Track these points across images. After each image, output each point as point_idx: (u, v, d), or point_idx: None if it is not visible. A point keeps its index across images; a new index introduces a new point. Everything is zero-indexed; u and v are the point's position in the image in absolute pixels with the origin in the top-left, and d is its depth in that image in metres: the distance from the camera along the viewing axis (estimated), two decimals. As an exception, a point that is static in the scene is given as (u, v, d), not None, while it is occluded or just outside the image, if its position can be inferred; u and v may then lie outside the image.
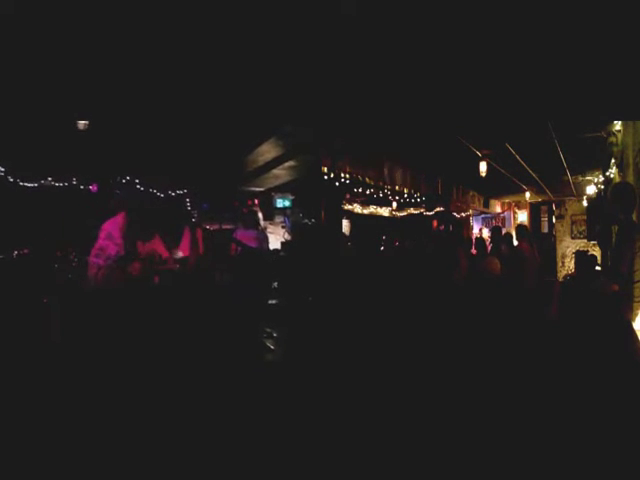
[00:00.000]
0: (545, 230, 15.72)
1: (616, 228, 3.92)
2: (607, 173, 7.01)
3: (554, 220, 14.99)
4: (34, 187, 6.71)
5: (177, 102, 5.09)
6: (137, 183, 7.19)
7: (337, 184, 6.87)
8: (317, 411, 3.40)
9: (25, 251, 5.74)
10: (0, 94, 4.44)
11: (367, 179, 7.76)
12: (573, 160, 8.16)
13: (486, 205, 14.31)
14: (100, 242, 4.26)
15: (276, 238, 9.02)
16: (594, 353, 3.13)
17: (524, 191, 12.43)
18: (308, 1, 3.26)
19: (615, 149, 6.05)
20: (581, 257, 8.15)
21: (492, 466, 2.70)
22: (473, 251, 7.88)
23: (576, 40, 3.45)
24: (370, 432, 3.07)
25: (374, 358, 4.43)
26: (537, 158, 8.03)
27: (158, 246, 5.04)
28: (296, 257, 7.65)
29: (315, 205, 8.19)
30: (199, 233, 5.60)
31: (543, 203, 15.16)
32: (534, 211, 15.65)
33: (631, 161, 5.00)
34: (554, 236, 14.79)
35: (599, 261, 7.97)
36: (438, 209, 11.50)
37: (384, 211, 12.36)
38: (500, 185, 11.04)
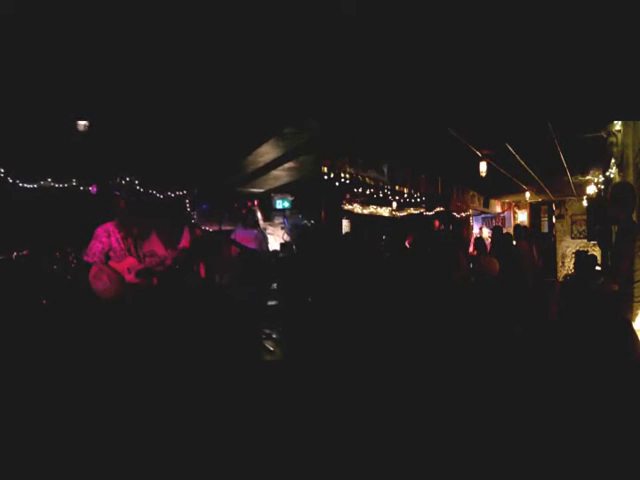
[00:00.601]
0: (545, 230, 15.72)
1: (616, 228, 3.92)
2: (607, 173, 7.00)
3: (554, 220, 14.99)
4: (33, 188, 6.70)
5: (177, 103, 5.09)
6: (137, 184, 7.19)
7: (337, 184, 6.88)
8: (317, 412, 3.39)
9: (24, 252, 5.73)
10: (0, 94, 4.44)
11: (367, 179, 7.76)
12: (573, 160, 8.16)
13: (486, 205, 14.31)
14: (89, 243, 4.39)
15: (275, 239, 9.02)
16: (594, 353, 3.13)
17: (524, 191, 12.42)
18: (308, 1, 3.26)
19: (615, 149, 6.05)
20: (581, 257, 8.16)
21: (492, 466, 2.70)
22: (473, 252, 7.88)
23: (576, 40, 3.45)
24: (370, 432, 3.07)
25: (374, 359, 4.42)
26: (537, 158, 8.02)
27: (157, 245, 5.03)
28: (295, 258, 7.65)
29: (315, 206, 8.19)
30: (197, 234, 5.60)
31: (543, 203, 15.15)
32: (534, 211, 15.65)
33: (631, 161, 5.00)
34: (554, 236, 14.79)
35: (599, 261, 7.98)
36: (438, 209, 11.50)
37: (384, 211, 12.36)
38: (500, 185, 11.03)
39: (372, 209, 12.03)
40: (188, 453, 2.83)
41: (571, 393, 3.15)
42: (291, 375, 4.31)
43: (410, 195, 9.42)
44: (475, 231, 14.96)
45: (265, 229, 6.45)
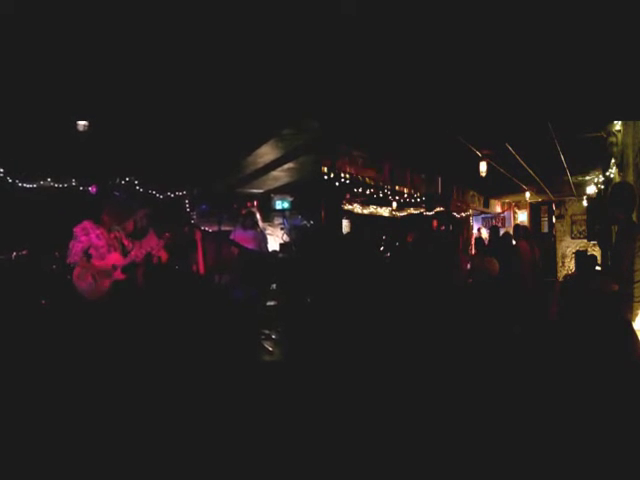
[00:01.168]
0: (545, 230, 15.72)
1: (616, 228, 3.92)
2: (607, 173, 7.01)
3: (554, 220, 14.99)
4: (33, 188, 6.71)
5: (177, 104, 5.08)
6: (136, 184, 7.19)
7: (337, 184, 6.87)
8: (316, 412, 3.39)
9: (24, 252, 5.74)
10: (-1, 94, 4.44)
11: (367, 179, 7.76)
12: (573, 160, 8.15)
13: (486, 205, 14.31)
14: (69, 245, 4.24)
15: (275, 240, 9.02)
16: (594, 353, 3.13)
17: (524, 191, 12.42)
18: (308, 1, 3.26)
19: (615, 149, 6.05)
20: (581, 257, 8.17)
21: (492, 465, 2.69)
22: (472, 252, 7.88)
23: (576, 40, 3.44)
24: (369, 432, 3.06)
25: (373, 359, 4.42)
26: (537, 158, 8.02)
27: (158, 250, 5.01)
28: (295, 259, 7.65)
29: (315, 206, 8.18)
30: (198, 235, 5.59)
31: (543, 203, 15.16)
32: (534, 211, 15.65)
33: (631, 161, 5.00)
34: (554, 236, 14.79)
35: (599, 261, 7.98)
36: (438, 209, 11.50)
37: (384, 211, 12.37)
38: (500, 185, 11.03)
39: (372, 209, 12.04)
40: (186, 452, 2.83)
41: (571, 393, 3.14)
42: (290, 375, 4.31)
43: (410, 195, 9.42)
44: (475, 231, 14.97)
45: (264, 229, 6.43)
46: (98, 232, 4.25)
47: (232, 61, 4.11)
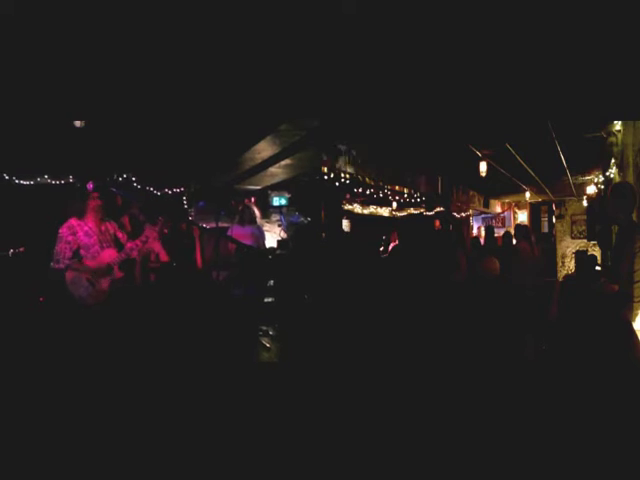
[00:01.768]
0: (545, 230, 15.73)
1: (616, 228, 3.90)
2: (607, 173, 6.99)
3: (554, 220, 14.99)
4: (30, 185, 6.68)
5: (174, 100, 5.06)
6: (134, 181, 7.17)
7: (337, 184, 6.85)
8: (314, 409, 3.37)
9: (21, 249, 5.71)
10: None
11: (367, 179, 7.74)
12: (573, 160, 8.14)
13: (486, 205, 14.32)
14: (55, 249, 3.89)
15: (272, 236, 8.99)
16: (594, 353, 3.11)
17: (524, 191, 12.42)
18: (308, 1, 3.24)
19: (615, 149, 6.04)
20: (581, 257, 8.16)
21: (492, 465, 2.67)
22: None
23: (576, 40, 3.42)
24: (368, 431, 3.04)
25: (372, 357, 4.40)
26: (537, 158, 8.01)
27: (158, 248, 4.99)
28: (292, 255, 7.64)
29: (313, 204, 8.17)
30: (196, 232, 5.57)
31: (543, 203, 15.16)
32: (534, 211, 15.66)
33: (631, 161, 4.98)
34: (554, 236, 14.79)
35: (599, 261, 7.96)
36: (438, 209, 11.49)
37: (384, 211, 12.36)
38: (500, 185, 11.04)
39: (372, 209, 12.03)
40: (185, 452, 2.80)
41: (571, 393, 3.13)
42: (287, 372, 4.29)
43: (410, 195, 9.40)
44: (475, 231, 15.01)
45: (262, 226, 6.40)
46: (86, 229, 3.94)
47: (231, 58, 4.09)
